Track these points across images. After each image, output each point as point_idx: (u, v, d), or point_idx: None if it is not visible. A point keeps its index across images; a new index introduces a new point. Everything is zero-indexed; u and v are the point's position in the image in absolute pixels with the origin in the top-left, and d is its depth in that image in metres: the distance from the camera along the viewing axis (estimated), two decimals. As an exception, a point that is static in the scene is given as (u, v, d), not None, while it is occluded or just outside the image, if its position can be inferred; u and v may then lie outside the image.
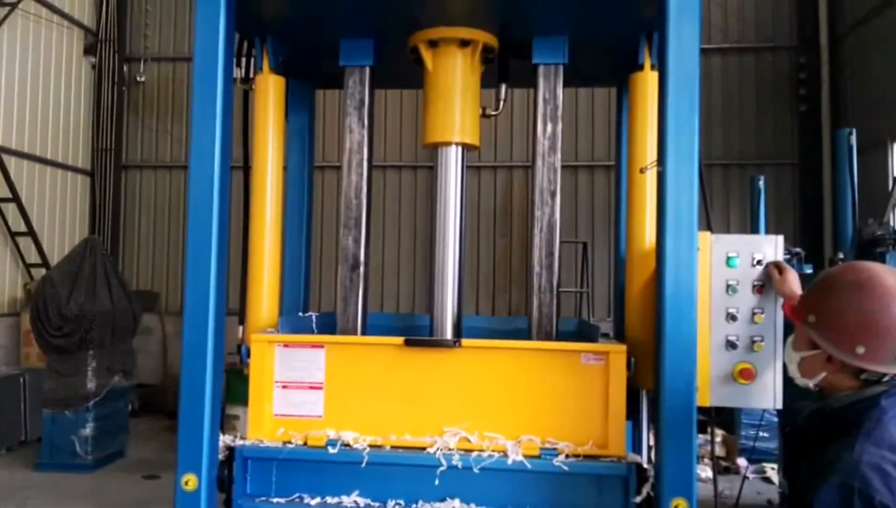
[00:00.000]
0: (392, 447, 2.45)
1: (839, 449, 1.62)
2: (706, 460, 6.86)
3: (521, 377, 2.46)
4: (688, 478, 2.23)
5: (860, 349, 1.70)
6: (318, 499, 2.46)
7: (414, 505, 2.42)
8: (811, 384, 1.82)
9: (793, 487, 1.89)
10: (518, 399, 2.45)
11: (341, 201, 2.81)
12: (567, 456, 2.36)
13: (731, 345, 2.52)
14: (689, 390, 2.26)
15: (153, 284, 10.48)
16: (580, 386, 2.43)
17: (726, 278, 2.52)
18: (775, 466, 6.79)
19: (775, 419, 6.76)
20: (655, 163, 2.45)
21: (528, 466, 2.34)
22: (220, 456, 2.45)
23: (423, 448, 2.42)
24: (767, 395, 2.52)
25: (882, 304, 1.69)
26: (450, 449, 2.40)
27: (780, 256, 2.56)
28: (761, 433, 6.90)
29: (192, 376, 2.39)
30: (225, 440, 2.49)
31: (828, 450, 1.65)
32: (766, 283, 2.50)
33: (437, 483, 2.39)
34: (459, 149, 2.78)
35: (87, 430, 7.02)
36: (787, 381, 2.55)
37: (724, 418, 7.40)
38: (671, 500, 2.23)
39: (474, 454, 2.38)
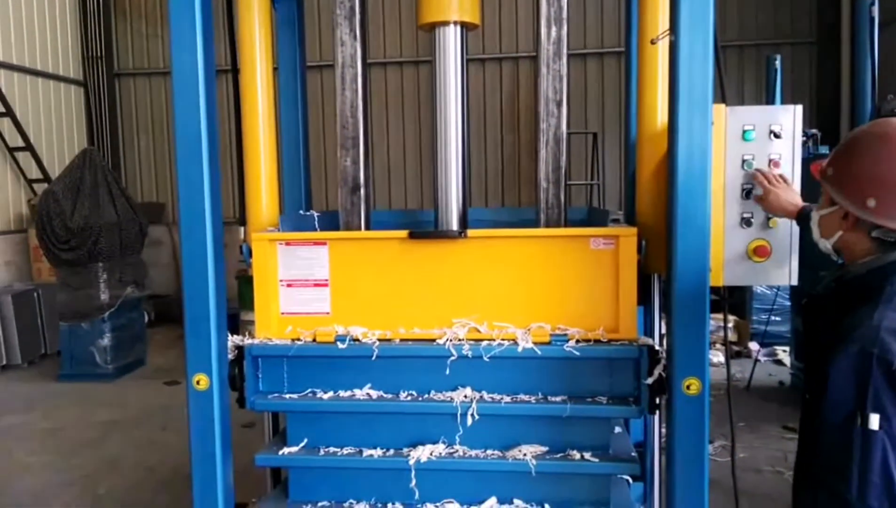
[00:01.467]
0: (401, 340, 2.43)
1: (858, 317, 1.57)
2: (718, 345, 6.96)
3: (529, 266, 2.39)
4: (700, 358, 2.20)
5: (871, 202, 1.62)
6: (330, 394, 2.46)
7: (426, 395, 2.43)
8: (829, 244, 1.76)
9: (809, 360, 1.82)
10: (527, 288, 2.40)
11: (336, 120, 2.62)
12: (578, 342, 2.33)
13: (745, 222, 2.44)
14: (702, 269, 2.18)
15: (158, 195, 10.39)
16: (590, 272, 2.37)
17: (742, 153, 2.40)
18: (787, 349, 6.87)
19: (787, 303, 6.79)
20: (667, 32, 2.28)
21: (539, 353, 2.32)
22: (230, 356, 2.44)
23: (433, 341, 2.40)
24: (783, 272, 2.46)
25: None
26: (459, 340, 2.37)
27: (798, 128, 2.43)
28: (773, 317, 6.96)
29: (193, 275, 2.34)
30: (234, 340, 2.47)
31: (846, 319, 1.59)
32: (753, 191, 2.39)
33: (447, 373, 2.38)
34: (458, 28, 2.60)
35: (105, 340, 7.16)
36: (803, 260, 2.48)
37: (736, 301, 7.43)
38: (683, 380, 2.20)
39: (484, 343, 2.35)
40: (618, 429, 2.66)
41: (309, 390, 2.49)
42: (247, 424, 5.15)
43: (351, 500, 2.51)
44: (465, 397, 2.39)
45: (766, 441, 5.10)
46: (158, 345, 8.37)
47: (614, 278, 2.35)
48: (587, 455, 2.38)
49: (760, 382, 6.45)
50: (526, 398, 2.41)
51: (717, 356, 6.71)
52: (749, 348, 7.16)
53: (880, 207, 1.61)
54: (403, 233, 2.40)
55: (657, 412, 2.41)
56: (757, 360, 6.52)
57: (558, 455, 2.39)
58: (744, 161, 2.40)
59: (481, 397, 2.40)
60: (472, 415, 2.36)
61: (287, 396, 2.48)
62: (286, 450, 2.51)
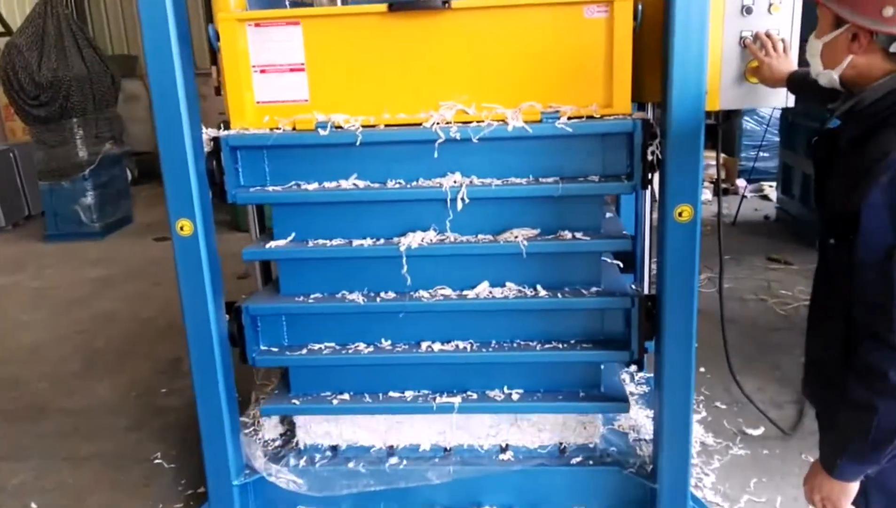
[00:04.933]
0: (386, 126, 2.32)
1: (880, 146, 1.39)
2: (706, 183, 6.92)
3: (519, 40, 2.25)
4: (693, 185, 2.16)
5: (888, 11, 1.39)
6: (315, 185, 2.38)
7: (414, 183, 2.35)
8: (835, 75, 1.53)
9: (822, 201, 1.64)
10: (517, 64, 2.27)
11: None
12: (570, 119, 2.23)
13: (743, 42, 2.25)
14: (698, 95, 2.08)
15: (128, 47, 9.87)
16: (583, 43, 2.23)
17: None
18: (773, 184, 6.85)
19: (776, 138, 6.70)
20: None
21: (530, 131, 2.22)
22: (206, 148, 2.33)
23: (419, 125, 2.29)
24: (779, 94, 2.30)
25: None
26: (447, 123, 2.26)
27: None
28: (761, 154, 6.88)
29: (167, 119, 2.25)
30: (209, 132, 2.35)
31: (867, 151, 1.41)
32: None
33: (435, 156, 2.29)
34: None
35: (89, 198, 7.03)
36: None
37: (727, 130, 7.30)
38: (675, 207, 2.17)
39: (473, 125, 2.25)
40: (609, 214, 2.63)
41: (293, 182, 2.40)
42: (241, 275, 5.14)
43: (343, 291, 2.49)
44: (455, 182, 2.32)
45: (750, 272, 5.17)
46: (144, 202, 8.26)
47: (608, 50, 2.22)
48: (579, 235, 2.34)
49: (746, 217, 6.47)
50: (517, 180, 2.34)
51: (705, 194, 6.69)
52: (736, 184, 7.13)
53: None
54: (382, 7, 2.23)
55: (648, 188, 2.37)
56: (744, 196, 6.51)
57: (550, 237, 2.36)
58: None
59: (471, 181, 2.33)
60: (462, 199, 2.30)
61: (270, 189, 2.40)
62: (273, 243, 2.46)
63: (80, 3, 9.86)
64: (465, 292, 2.45)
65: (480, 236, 2.40)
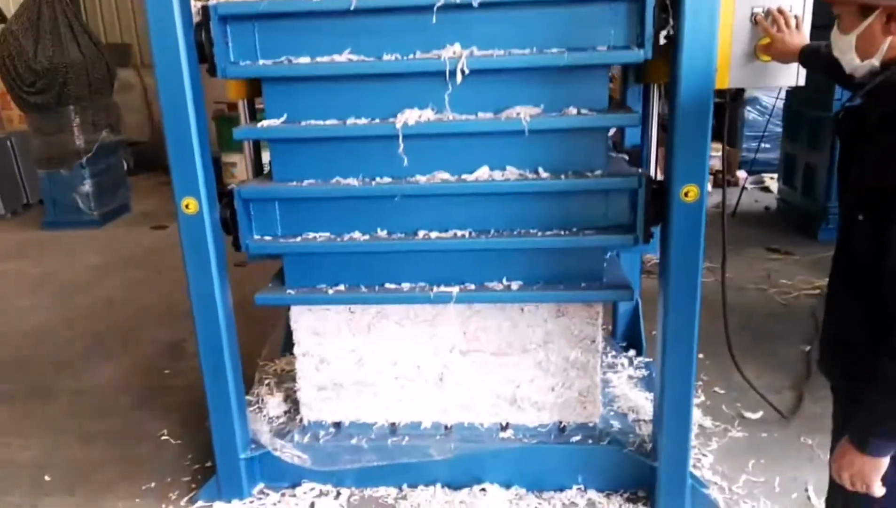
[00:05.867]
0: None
1: None
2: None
3: None
4: (700, 165, 2.17)
5: None
6: (306, 59, 2.32)
7: (411, 56, 2.28)
8: (876, 62, 1.50)
9: (846, 177, 1.63)
10: None
11: None
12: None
13: (756, 18, 2.25)
14: (708, 73, 2.09)
15: (122, 35, 9.82)
16: None
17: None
18: (774, 176, 6.88)
19: (778, 130, 6.72)
20: None
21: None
22: (195, 20, 2.26)
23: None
24: (789, 72, 2.31)
25: None
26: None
27: None
28: (763, 145, 6.90)
29: (171, 97, 2.24)
30: (197, 3, 2.26)
31: None
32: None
33: (434, 22, 2.21)
34: None
35: (87, 187, 7.01)
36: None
37: (730, 119, 7.27)
38: (682, 187, 2.19)
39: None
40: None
41: (283, 57, 2.33)
42: (238, 263, 5.14)
43: (337, 177, 2.44)
44: (454, 53, 2.24)
45: (750, 262, 5.20)
46: (141, 192, 8.25)
47: None
48: (584, 111, 2.30)
49: (746, 208, 6.49)
50: (519, 52, 2.26)
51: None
52: (737, 176, 7.15)
53: None
54: None
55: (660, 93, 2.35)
56: (744, 188, 6.53)
57: (554, 114, 2.31)
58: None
59: (471, 52, 2.25)
60: (462, 71, 2.23)
61: (261, 62, 2.34)
62: (265, 123, 2.40)
63: (75, -10, 9.80)
64: (463, 177, 2.38)
65: (480, 115, 2.32)
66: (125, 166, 7.82)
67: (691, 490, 2.51)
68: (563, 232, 2.39)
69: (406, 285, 2.51)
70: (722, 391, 3.39)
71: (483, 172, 2.37)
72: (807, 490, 2.66)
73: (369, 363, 2.68)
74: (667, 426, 2.42)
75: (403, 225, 2.45)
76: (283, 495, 2.70)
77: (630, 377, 3.15)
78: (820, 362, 1.76)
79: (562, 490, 2.64)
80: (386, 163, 2.38)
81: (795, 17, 2.22)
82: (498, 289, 2.47)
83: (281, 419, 2.89)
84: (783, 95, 5.99)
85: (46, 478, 2.97)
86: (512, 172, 2.37)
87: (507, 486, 2.65)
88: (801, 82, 2.35)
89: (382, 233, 2.45)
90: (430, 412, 2.72)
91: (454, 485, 2.66)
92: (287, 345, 3.39)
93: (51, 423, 3.43)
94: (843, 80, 2.08)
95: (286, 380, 3.16)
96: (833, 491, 1.73)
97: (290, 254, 2.54)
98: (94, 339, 4.42)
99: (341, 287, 2.54)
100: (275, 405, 2.95)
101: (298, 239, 2.48)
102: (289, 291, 2.56)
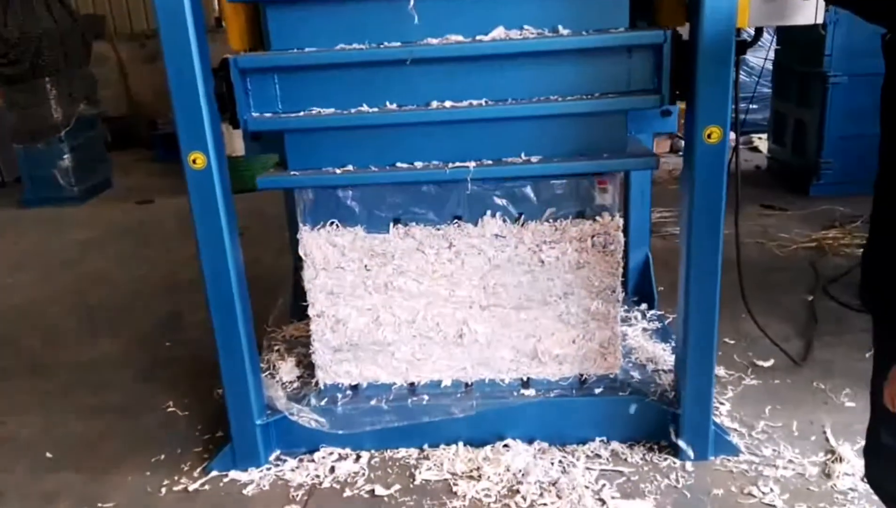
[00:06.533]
0: None
1: None
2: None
3: None
4: (722, 107, 2.16)
5: None
6: None
7: None
8: None
9: (890, 104, 1.56)
10: None
11: None
12: None
13: None
14: (730, 13, 2.06)
15: (94, 6, 9.50)
16: None
17: None
18: (762, 136, 6.90)
19: (767, 91, 6.72)
20: None
21: None
22: None
23: None
24: (808, 9, 2.28)
25: None
26: None
27: None
28: (751, 106, 6.89)
29: (175, 52, 2.14)
30: None
31: None
32: None
33: None
34: None
35: (66, 161, 6.81)
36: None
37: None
38: (705, 128, 2.17)
39: None
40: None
41: None
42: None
43: (342, 44, 2.29)
44: None
45: (746, 219, 5.19)
46: (122, 167, 8.04)
47: None
48: None
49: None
50: None
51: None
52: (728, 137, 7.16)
53: None
54: None
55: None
56: (734, 148, 6.54)
57: None
58: None
59: None
60: None
61: None
62: None
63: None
64: (478, 38, 2.26)
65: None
66: (107, 139, 7.60)
67: (714, 437, 2.51)
68: (584, 97, 2.27)
69: (419, 164, 2.37)
70: (732, 342, 3.40)
71: (499, 32, 2.26)
72: (824, 431, 2.68)
73: (386, 322, 2.62)
74: (690, 369, 2.42)
75: (415, 96, 2.29)
76: (300, 460, 2.66)
77: (645, 330, 3.13)
78: (861, 292, 1.75)
79: (584, 442, 2.62)
80: (395, 26, 2.25)
81: None
82: (518, 163, 2.36)
83: (294, 385, 2.83)
84: (771, 55, 5.98)
85: (48, 455, 2.88)
86: (530, 32, 2.26)
87: (530, 441, 2.63)
88: (820, 20, 2.33)
89: (392, 106, 2.30)
90: (450, 371, 2.68)
91: (476, 442, 2.64)
92: (294, 311, 3.35)
93: (48, 399, 3.32)
94: (871, 14, 2.04)
95: (296, 346, 3.10)
96: (875, 421, 1.73)
97: (292, 131, 2.38)
98: (85, 314, 4.30)
99: (350, 168, 2.39)
100: (287, 370, 2.89)
101: (301, 114, 2.32)
102: (293, 173, 2.41)
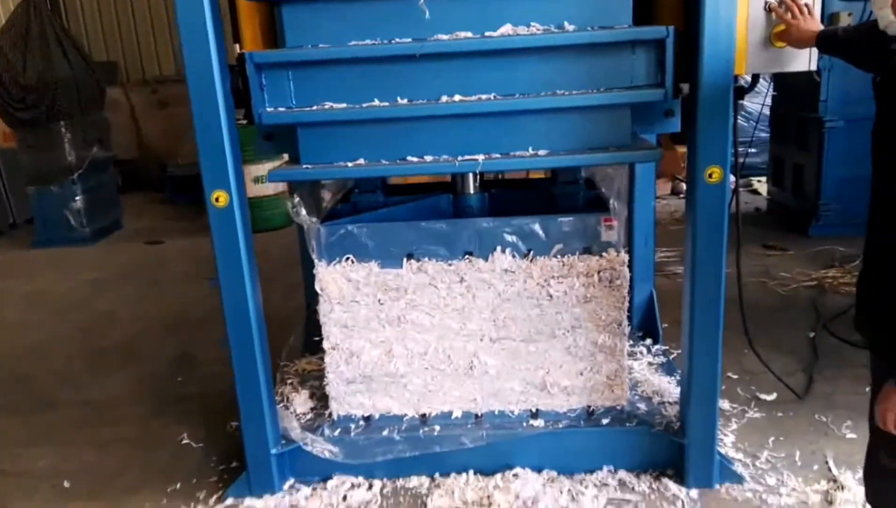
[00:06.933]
0: None
1: None
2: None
3: None
4: (723, 147, 2.27)
5: None
6: None
7: None
8: None
9: (883, 142, 1.65)
10: None
11: None
12: None
13: (769, 7, 2.34)
14: (728, 61, 2.20)
15: (108, 53, 9.78)
16: None
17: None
18: (761, 179, 7.05)
19: (765, 135, 6.89)
20: None
21: None
22: None
23: None
24: (803, 57, 2.41)
25: None
26: None
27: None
28: (750, 150, 7.06)
29: (200, 88, 2.26)
30: None
31: None
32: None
33: None
34: None
35: (78, 203, 6.95)
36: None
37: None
38: (706, 168, 2.29)
39: None
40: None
41: None
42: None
43: (353, 40, 2.35)
44: None
45: (747, 259, 5.29)
46: (132, 210, 8.17)
47: None
48: None
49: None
50: None
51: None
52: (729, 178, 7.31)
53: None
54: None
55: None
56: (735, 190, 6.67)
57: None
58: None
59: None
60: None
61: None
62: None
63: (56, 8, 9.75)
64: (486, 34, 2.32)
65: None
66: (118, 181, 7.75)
67: (719, 466, 2.57)
68: (590, 92, 2.33)
69: (429, 158, 2.41)
70: (735, 376, 3.46)
71: (507, 29, 2.33)
72: (826, 461, 2.73)
73: (399, 354, 2.70)
74: (694, 400, 2.49)
75: (425, 91, 2.33)
76: (314, 489, 2.70)
77: (650, 364, 3.21)
78: (855, 324, 1.83)
79: (592, 471, 2.68)
80: (405, 22, 2.32)
81: (806, 4, 2.32)
82: (526, 156, 2.40)
83: (308, 416, 2.89)
84: (768, 101, 6.16)
85: (66, 484, 2.93)
86: (536, 29, 2.34)
87: (539, 470, 2.68)
88: (814, 66, 2.45)
89: (403, 101, 2.35)
90: (461, 402, 2.75)
91: (486, 471, 2.69)
92: (307, 346, 3.43)
93: (63, 433, 3.38)
94: (859, 60, 2.18)
95: (309, 379, 3.17)
96: (874, 444, 1.80)
97: (304, 125, 2.42)
98: (97, 353, 4.36)
99: (361, 161, 2.42)
100: (301, 402, 2.95)
101: (314, 108, 2.37)
102: (305, 166, 2.45)
